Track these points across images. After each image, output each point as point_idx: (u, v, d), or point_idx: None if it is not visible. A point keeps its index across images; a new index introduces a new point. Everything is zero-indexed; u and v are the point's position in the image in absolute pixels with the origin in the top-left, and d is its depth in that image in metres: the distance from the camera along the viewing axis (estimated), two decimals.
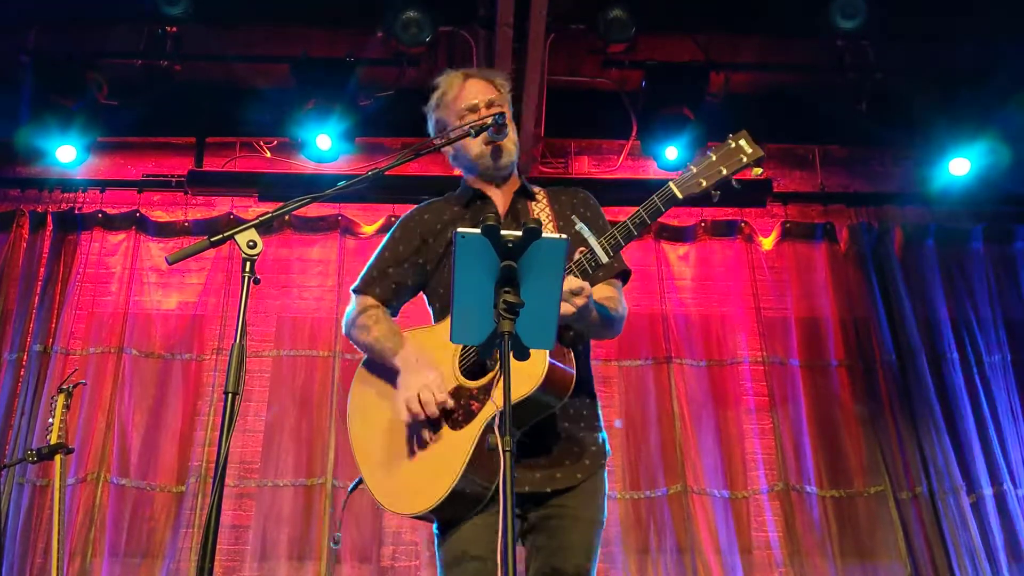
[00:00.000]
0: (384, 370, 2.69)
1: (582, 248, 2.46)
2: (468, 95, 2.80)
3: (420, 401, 2.48)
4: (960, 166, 5.88)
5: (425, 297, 2.87)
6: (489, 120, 2.63)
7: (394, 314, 2.83)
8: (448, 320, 2.62)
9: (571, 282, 2.32)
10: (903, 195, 6.36)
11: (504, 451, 1.82)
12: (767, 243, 6.24)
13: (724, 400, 5.84)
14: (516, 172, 2.87)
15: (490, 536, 2.46)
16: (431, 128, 2.92)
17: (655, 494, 5.58)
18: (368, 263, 2.87)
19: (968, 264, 6.19)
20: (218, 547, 2.02)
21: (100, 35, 5.59)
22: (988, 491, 5.55)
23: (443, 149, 2.80)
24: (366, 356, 2.77)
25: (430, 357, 2.59)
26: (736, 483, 5.65)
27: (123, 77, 5.69)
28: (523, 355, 1.96)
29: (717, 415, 5.78)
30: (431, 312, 2.84)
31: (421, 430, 2.55)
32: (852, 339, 6.01)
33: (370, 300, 2.80)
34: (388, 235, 2.89)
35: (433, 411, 2.48)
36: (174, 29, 5.41)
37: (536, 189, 2.86)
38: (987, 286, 6.12)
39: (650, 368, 5.89)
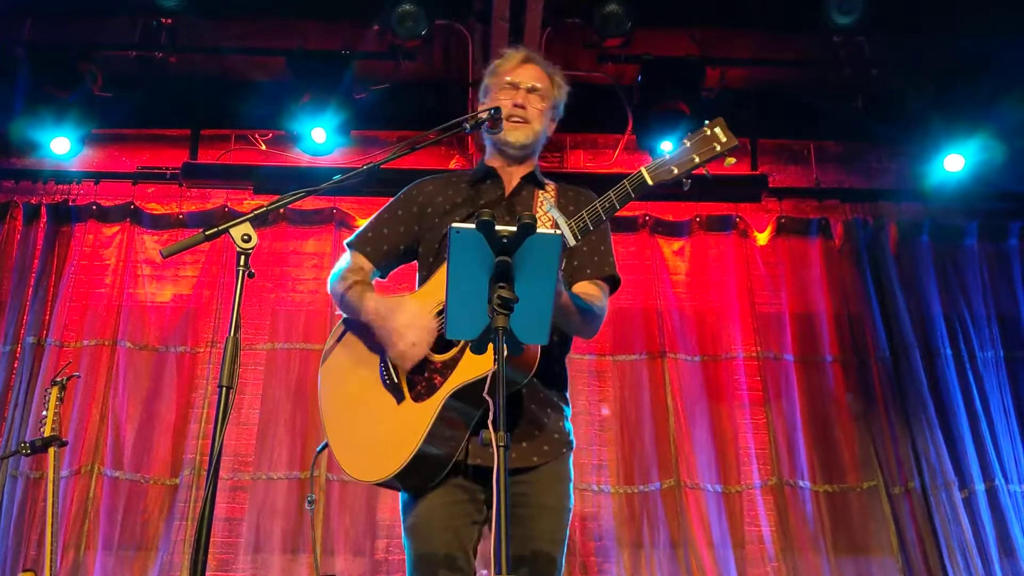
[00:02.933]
0: (356, 336, 2.73)
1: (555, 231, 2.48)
2: (517, 73, 2.85)
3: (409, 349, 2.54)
4: (955, 162, 5.88)
5: (418, 265, 2.90)
6: (484, 116, 2.64)
7: (383, 276, 2.89)
8: (425, 288, 2.66)
9: None
10: (898, 191, 6.36)
11: (498, 447, 1.83)
12: (762, 238, 6.25)
13: (718, 395, 5.85)
14: (535, 161, 2.91)
15: (459, 526, 2.51)
16: (480, 91, 2.98)
17: (648, 488, 5.59)
18: (367, 221, 2.93)
19: (962, 260, 6.20)
20: (212, 540, 2.03)
21: (95, 27, 5.57)
22: (980, 486, 5.57)
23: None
24: (342, 318, 2.82)
25: (406, 305, 2.62)
26: (729, 478, 5.66)
27: (118, 69, 5.67)
28: (517, 350, 1.96)
29: (711, 410, 5.79)
30: (417, 280, 2.86)
31: (384, 399, 2.58)
32: (846, 335, 6.03)
33: (360, 257, 2.85)
34: (392, 199, 2.93)
35: (418, 355, 2.54)
36: (169, 21, 5.40)
37: (547, 181, 2.90)
38: (981, 282, 6.14)
39: (644, 363, 5.90)
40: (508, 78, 2.84)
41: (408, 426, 2.48)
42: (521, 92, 2.81)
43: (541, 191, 2.82)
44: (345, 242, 2.92)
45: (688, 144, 2.51)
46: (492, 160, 2.90)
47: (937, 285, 6.10)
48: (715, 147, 2.49)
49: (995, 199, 6.29)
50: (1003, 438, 5.71)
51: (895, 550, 5.51)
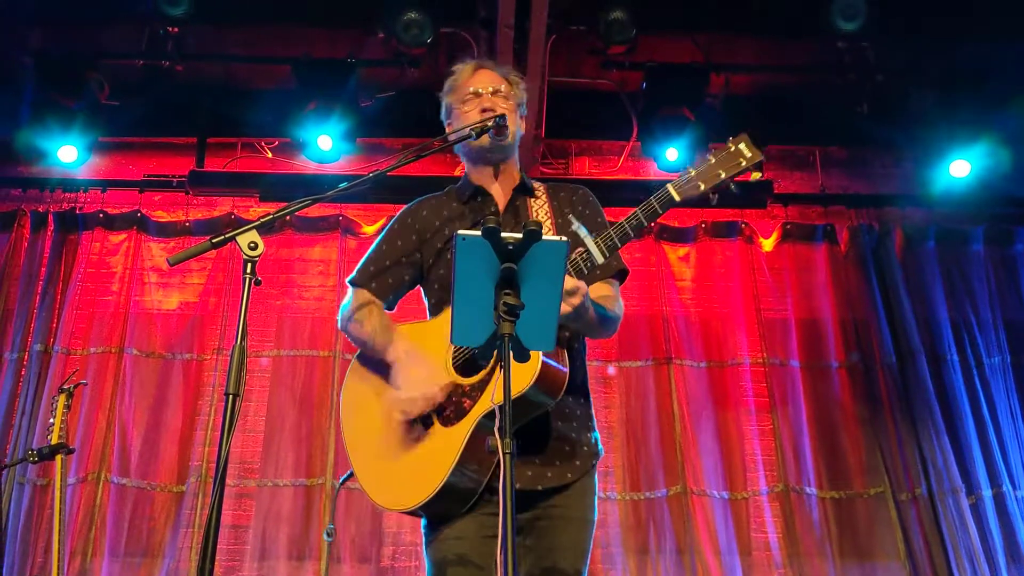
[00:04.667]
0: (377, 365, 2.69)
1: (580, 249, 2.46)
2: (474, 82, 2.84)
3: (408, 402, 2.51)
4: (960, 168, 5.88)
5: (423, 291, 2.87)
6: (491, 123, 2.63)
7: (390, 308, 2.83)
8: (443, 314, 2.63)
9: (567, 282, 2.30)
10: (903, 197, 6.35)
11: (504, 453, 1.82)
12: (767, 244, 6.24)
13: (724, 401, 5.84)
14: (518, 166, 2.89)
15: (481, 538, 2.47)
16: (443, 113, 2.97)
17: (655, 495, 5.58)
18: (365, 255, 2.88)
19: (968, 266, 6.19)
20: (218, 547, 2.03)
21: (101, 35, 5.60)
22: (987, 492, 5.55)
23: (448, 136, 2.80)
24: (360, 350, 2.78)
25: (423, 352, 2.60)
26: (736, 484, 5.65)
27: (124, 77, 5.70)
28: (523, 357, 1.96)
29: (717, 416, 5.79)
30: (427, 306, 2.84)
31: (413, 426, 2.56)
32: (852, 340, 6.01)
33: (366, 294, 2.79)
34: (386, 228, 2.89)
35: (419, 411, 2.51)
36: (175, 29, 5.42)
37: (536, 185, 2.87)
38: (987, 288, 6.13)
39: (650, 369, 5.89)
40: (468, 89, 2.83)
41: (438, 452, 2.47)
42: (485, 97, 2.80)
43: (533, 199, 2.80)
44: (348, 280, 2.86)
45: (713, 160, 2.51)
46: (476, 175, 2.85)
47: (943, 290, 6.09)
48: (741, 162, 2.50)
49: (1001, 204, 6.28)
50: (1010, 444, 5.69)
51: (902, 556, 5.50)
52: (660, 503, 5.57)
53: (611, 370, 5.86)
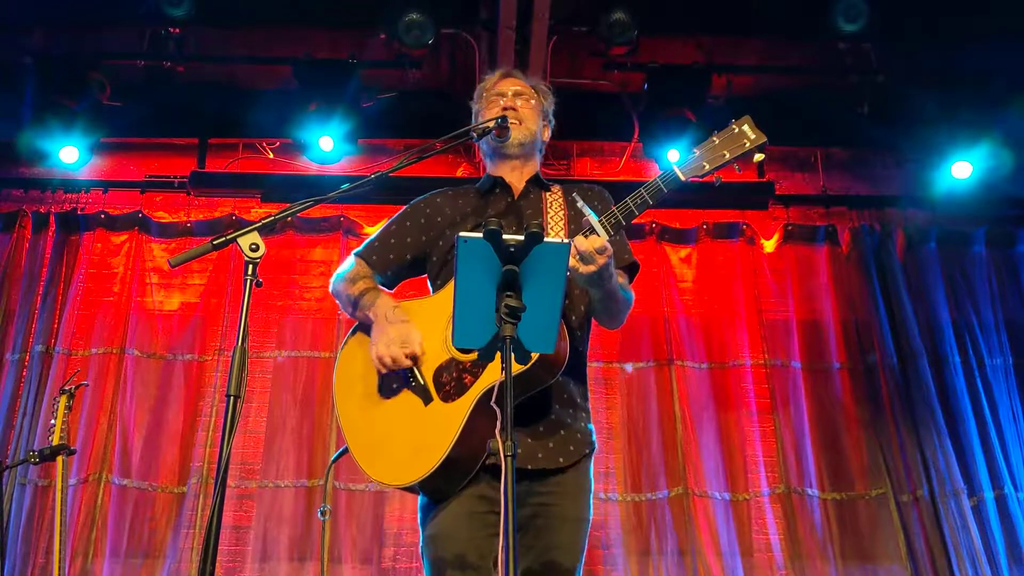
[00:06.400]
0: (372, 339, 2.70)
1: (584, 222, 2.47)
2: (500, 86, 2.94)
3: (383, 357, 2.55)
4: (962, 169, 5.87)
5: (427, 274, 2.90)
6: (491, 124, 2.66)
7: (389, 287, 2.88)
8: (442, 292, 2.66)
9: (595, 240, 2.34)
10: (905, 198, 6.35)
11: (506, 456, 1.82)
12: (769, 245, 6.24)
13: (726, 402, 5.84)
14: (537, 167, 2.95)
15: (479, 537, 2.46)
16: (473, 119, 3.04)
17: (656, 496, 5.58)
18: (376, 232, 2.94)
19: (970, 267, 6.19)
20: (219, 548, 2.02)
21: (103, 36, 5.61)
22: (989, 494, 5.55)
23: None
24: (356, 324, 2.80)
25: (417, 321, 2.63)
26: (737, 485, 5.64)
27: (126, 78, 5.70)
28: (524, 359, 1.96)
29: (718, 417, 5.78)
30: (430, 287, 2.87)
31: (409, 401, 2.56)
32: (854, 341, 6.01)
33: (364, 265, 2.85)
34: (401, 210, 2.95)
35: (393, 365, 2.54)
36: (177, 30, 5.42)
37: (553, 184, 2.92)
38: (989, 289, 6.13)
39: (652, 370, 5.89)
40: (493, 91, 2.92)
41: (438, 427, 2.46)
42: (509, 98, 2.89)
43: (548, 193, 2.85)
44: (353, 252, 2.92)
45: (717, 141, 2.55)
46: (495, 169, 2.92)
47: (945, 292, 6.09)
48: (745, 143, 2.53)
49: (1003, 206, 6.27)
50: (1012, 445, 5.69)
51: (904, 558, 5.49)
52: (661, 504, 5.56)
53: (629, 368, 5.85)
